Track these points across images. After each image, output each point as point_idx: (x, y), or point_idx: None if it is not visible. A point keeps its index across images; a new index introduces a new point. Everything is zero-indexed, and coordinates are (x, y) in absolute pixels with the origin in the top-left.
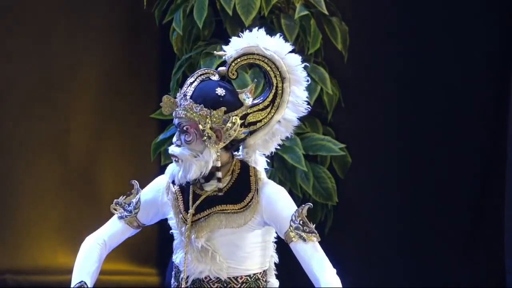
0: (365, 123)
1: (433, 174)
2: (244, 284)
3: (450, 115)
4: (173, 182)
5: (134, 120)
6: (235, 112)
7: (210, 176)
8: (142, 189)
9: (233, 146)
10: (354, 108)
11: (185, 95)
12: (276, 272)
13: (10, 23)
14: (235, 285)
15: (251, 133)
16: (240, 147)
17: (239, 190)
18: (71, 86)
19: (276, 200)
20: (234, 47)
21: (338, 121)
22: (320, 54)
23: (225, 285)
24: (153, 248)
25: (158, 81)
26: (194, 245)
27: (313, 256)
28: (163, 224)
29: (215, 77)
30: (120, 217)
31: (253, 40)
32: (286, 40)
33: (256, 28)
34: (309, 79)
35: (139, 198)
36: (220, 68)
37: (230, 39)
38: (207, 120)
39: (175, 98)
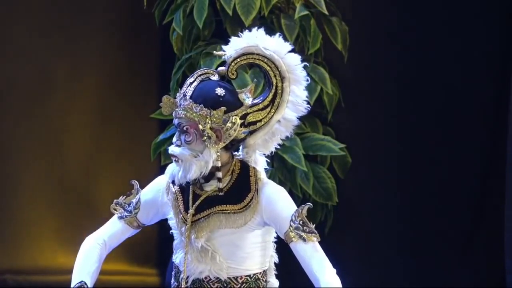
0: (365, 123)
1: (433, 174)
2: (244, 284)
3: (450, 115)
4: (173, 182)
5: (134, 120)
6: (235, 112)
7: (210, 176)
8: (142, 189)
9: (233, 146)
10: (354, 108)
11: (184, 95)
12: (276, 272)
13: (10, 23)
14: (235, 285)
15: (251, 132)
16: (240, 147)
17: (239, 190)
18: (71, 86)
19: (276, 200)
20: (234, 47)
21: (338, 121)
22: (320, 54)
23: (225, 285)
24: (153, 248)
25: (158, 81)
26: (194, 245)
27: (313, 256)
28: (163, 224)
29: (215, 77)
30: (120, 217)
31: (253, 40)
32: (286, 40)
33: (256, 28)
34: (308, 78)
35: (139, 198)
36: (220, 68)
37: (230, 39)
38: (207, 120)
39: (175, 98)
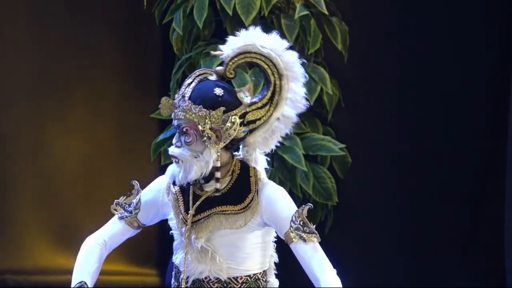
0: (365, 123)
1: (433, 174)
2: (244, 284)
3: (450, 115)
4: (174, 183)
5: (134, 120)
6: (234, 111)
7: (210, 176)
8: (142, 190)
9: (233, 145)
10: (354, 108)
11: (183, 96)
12: (276, 272)
13: (10, 22)
14: (235, 285)
15: (250, 131)
16: (240, 146)
17: (239, 191)
18: (71, 86)
19: (276, 200)
20: (231, 46)
21: (338, 121)
22: (320, 54)
23: (225, 285)
24: (153, 248)
25: (158, 81)
26: (194, 246)
27: (313, 257)
28: (163, 225)
29: (213, 77)
30: (121, 218)
31: (250, 38)
32: (286, 40)
33: (252, 28)
34: (306, 75)
35: (139, 199)
36: (218, 68)
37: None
38: (207, 120)
39: (175, 98)
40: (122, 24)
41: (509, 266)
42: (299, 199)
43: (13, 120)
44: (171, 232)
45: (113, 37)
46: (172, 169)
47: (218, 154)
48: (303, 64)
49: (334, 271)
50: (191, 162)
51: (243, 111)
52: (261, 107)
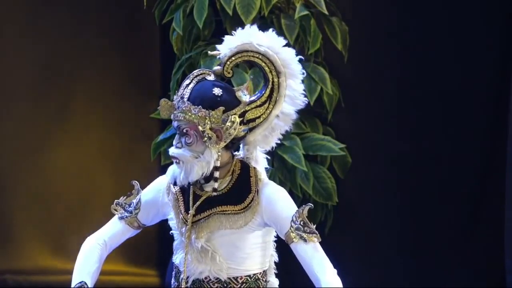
0: (365, 123)
1: (433, 174)
2: (244, 284)
3: (450, 115)
4: (174, 183)
5: (134, 120)
6: (234, 110)
7: (210, 176)
8: (142, 190)
9: (233, 144)
10: (354, 108)
11: (182, 98)
12: (276, 271)
13: (10, 22)
14: (235, 285)
15: (250, 129)
16: (241, 145)
17: (240, 191)
18: (70, 86)
19: (276, 200)
20: (228, 45)
21: (338, 121)
22: (320, 54)
23: (225, 285)
24: (153, 249)
25: (158, 81)
26: (194, 246)
27: (314, 257)
28: (163, 225)
29: (211, 77)
30: (121, 218)
31: (246, 37)
32: (286, 40)
33: (248, 26)
34: (304, 72)
35: (139, 199)
36: (216, 68)
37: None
38: (206, 121)
39: (174, 99)
40: (122, 24)
41: (509, 266)
42: (299, 199)
43: (13, 120)
44: (171, 232)
45: (113, 37)
46: (172, 169)
47: (219, 154)
48: (301, 61)
49: (335, 271)
50: (192, 162)
51: (242, 110)
52: (260, 105)
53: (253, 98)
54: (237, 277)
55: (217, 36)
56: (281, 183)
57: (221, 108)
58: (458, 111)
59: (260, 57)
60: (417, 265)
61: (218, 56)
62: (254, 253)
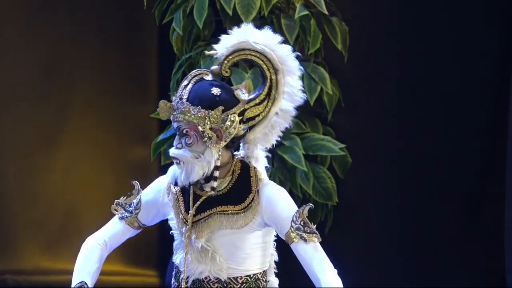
0: (365, 123)
1: (433, 174)
2: (244, 284)
3: (450, 115)
4: (175, 183)
5: (134, 120)
6: (233, 109)
7: (210, 176)
8: (142, 190)
9: (234, 143)
10: (354, 108)
11: (181, 99)
12: (276, 271)
13: (10, 22)
14: (235, 285)
15: (250, 128)
16: (241, 144)
17: (240, 191)
18: (70, 85)
19: (277, 200)
20: (225, 45)
21: (338, 121)
22: (320, 54)
23: (225, 285)
24: (153, 249)
25: (158, 81)
26: (194, 246)
27: (314, 257)
28: (163, 225)
29: (209, 77)
30: (121, 218)
31: (242, 36)
32: (286, 40)
33: (244, 24)
34: (302, 68)
35: (139, 199)
36: (213, 67)
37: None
38: (206, 121)
39: (173, 100)
40: (122, 24)
41: (509, 266)
42: (299, 199)
43: (13, 120)
44: (171, 232)
45: (113, 37)
46: (173, 170)
47: (220, 153)
48: (298, 58)
49: (335, 271)
50: (192, 163)
51: (241, 109)
52: (259, 103)
53: (251, 96)
54: (237, 277)
55: (217, 36)
56: (281, 183)
57: (220, 108)
58: (458, 111)
59: (257, 55)
60: (417, 265)
61: (215, 56)
62: (254, 253)
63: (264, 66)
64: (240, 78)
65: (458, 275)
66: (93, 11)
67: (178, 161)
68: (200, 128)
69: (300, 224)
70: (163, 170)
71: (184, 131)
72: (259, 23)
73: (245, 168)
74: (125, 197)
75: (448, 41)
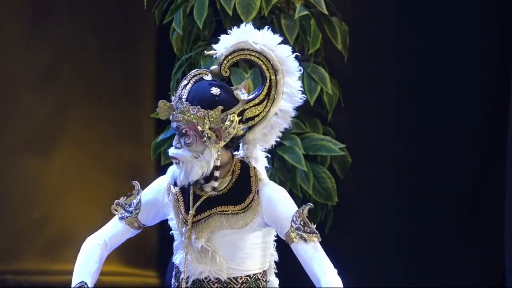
0: (365, 123)
1: (433, 174)
2: (244, 284)
3: (450, 115)
4: (175, 184)
5: (134, 120)
6: (232, 109)
7: (210, 177)
8: (142, 190)
9: (233, 143)
10: (354, 108)
11: (180, 98)
12: (276, 271)
13: (10, 22)
14: (235, 285)
15: (250, 128)
16: (240, 144)
17: (240, 191)
18: (70, 85)
19: (277, 200)
20: (224, 44)
21: (338, 121)
22: (320, 54)
23: (225, 285)
24: (153, 249)
25: (158, 81)
26: (194, 246)
27: (314, 257)
28: (163, 225)
29: (208, 77)
30: (121, 218)
31: (242, 36)
32: (286, 40)
33: (244, 25)
34: (301, 68)
35: (139, 199)
36: (213, 67)
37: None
38: (205, 121)
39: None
40: (122, 24)
41: (509, 266)
42: (299, 199)
43: (13, 120)
44: (171, 232)
45: (113, 37)
46: (172, 170)
47: (219, 153)
48: (298, 59)
49: (335, 271)
50: (192, 162)
51: (241, 109)
52: (258, 104)
53: (251, 96)
54: (237, 277)
55: (217, 36)
56: (281, 183)
57: (220, 108)
58: (458, 111)
59: (257, 55)
60: (417, 265)
61: (215, 56)
62: (254, 253)
63: (263, 66)
64: (240, 78)
65: (458, 275)
66: (93, 11)
67: (177, 161)
68: (199, 128)
69: (300, 224)
70: (163, 170)
71: (184, 131)
72: (259, 23)
73: (245, 168)
74: (125, 197)
75: (448, 41)
